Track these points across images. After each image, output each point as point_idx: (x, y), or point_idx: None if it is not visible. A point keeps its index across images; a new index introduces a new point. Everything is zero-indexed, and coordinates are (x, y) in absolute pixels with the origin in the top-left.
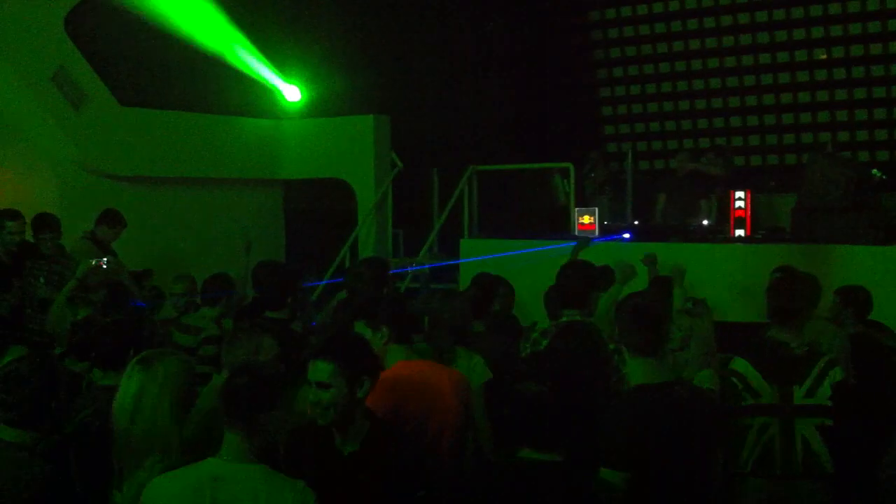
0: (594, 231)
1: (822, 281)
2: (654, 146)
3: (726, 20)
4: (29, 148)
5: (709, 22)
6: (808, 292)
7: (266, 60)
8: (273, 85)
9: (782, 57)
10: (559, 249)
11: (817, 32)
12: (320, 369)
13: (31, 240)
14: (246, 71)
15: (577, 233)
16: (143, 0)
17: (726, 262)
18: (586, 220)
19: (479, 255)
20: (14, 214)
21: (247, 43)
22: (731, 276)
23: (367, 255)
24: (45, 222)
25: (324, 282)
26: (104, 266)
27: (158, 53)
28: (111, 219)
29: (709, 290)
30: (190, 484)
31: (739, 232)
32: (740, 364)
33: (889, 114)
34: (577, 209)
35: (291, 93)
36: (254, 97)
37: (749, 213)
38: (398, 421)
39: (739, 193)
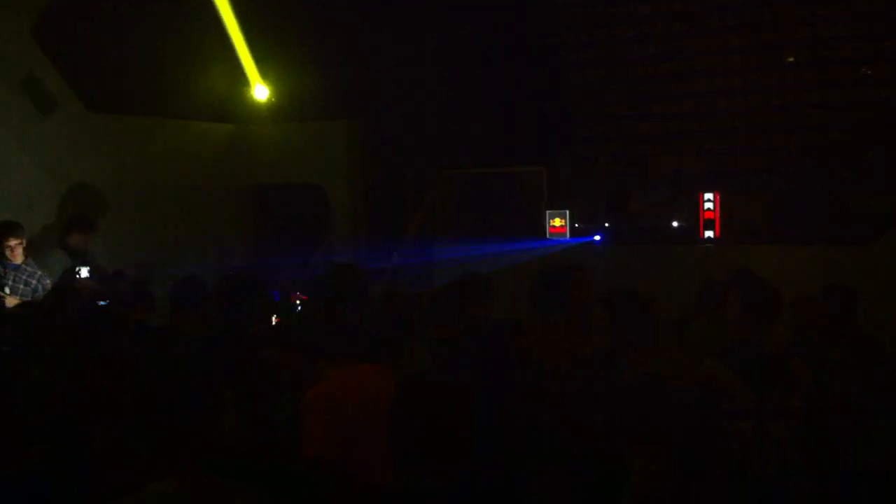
0: (565, 234)
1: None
2: (627, 148)
3: (696, 23)
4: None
5: (678, 26)
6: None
7: (237, 61)
8: (244, 85)
9: (752, 60)
10: (531, 252)
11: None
12: None
13: None
14: (217, 72)
15: (548, 236)
16: (111, 5)
17: (695, 263)
18: (557, 222)
19: (450, 258)
20: None
21: (218, 43)
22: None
23: (340, 260)
24: (10, 229)
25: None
26: (82, 276)
27: (127, 58)
28: (82, 224)
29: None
30: None
31: (709, 233)
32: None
33: (859, 115)
34: (547, 212)
35: (260, 91)
36: (225, 102)
37: (718, 214)
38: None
39: (708, 195)
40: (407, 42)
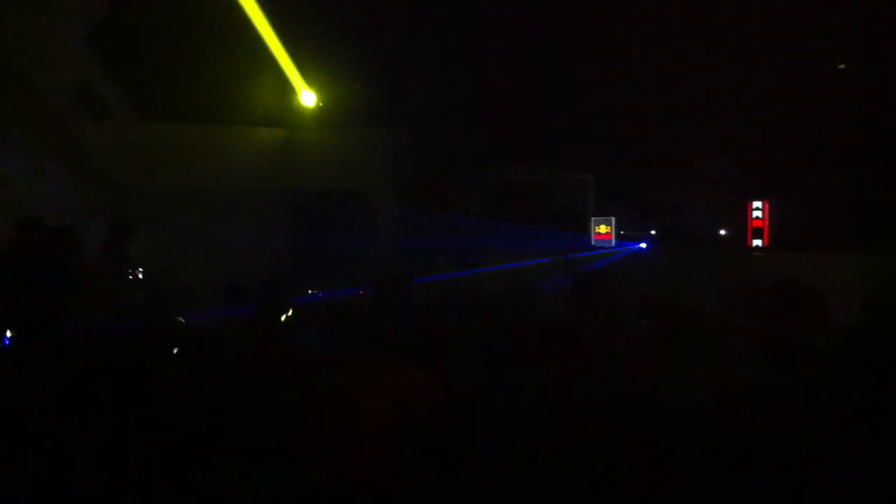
0: (611, 241)
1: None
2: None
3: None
4: (54, 160)
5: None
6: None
7: (284, 67)
8: (290, 92)
9: (799, 67)
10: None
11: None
12: None
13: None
14: (264, 78)
15: (594, 242)
16: (162, 13)
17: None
18: (603, 229)
19: (490, 262)
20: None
21: (266, 50)
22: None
23: (384, 264)
24: (66, 235)
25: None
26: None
27: (177, 66)
28: (123, 229)
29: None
30: None
31: (757, 242)
32: None
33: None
34: (593, 219)
35: (307, 97)
36: (271, 107)
37: (767, 222)
38: None
39: (757, 203)
40: (451, 48)
